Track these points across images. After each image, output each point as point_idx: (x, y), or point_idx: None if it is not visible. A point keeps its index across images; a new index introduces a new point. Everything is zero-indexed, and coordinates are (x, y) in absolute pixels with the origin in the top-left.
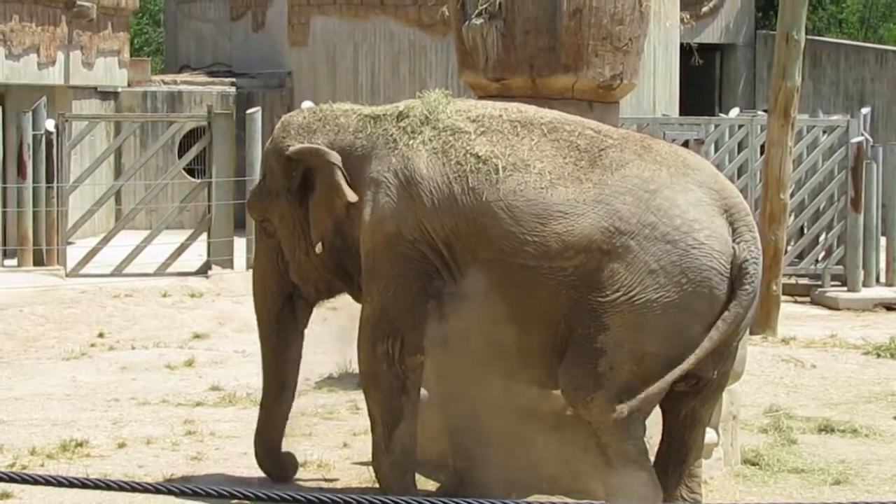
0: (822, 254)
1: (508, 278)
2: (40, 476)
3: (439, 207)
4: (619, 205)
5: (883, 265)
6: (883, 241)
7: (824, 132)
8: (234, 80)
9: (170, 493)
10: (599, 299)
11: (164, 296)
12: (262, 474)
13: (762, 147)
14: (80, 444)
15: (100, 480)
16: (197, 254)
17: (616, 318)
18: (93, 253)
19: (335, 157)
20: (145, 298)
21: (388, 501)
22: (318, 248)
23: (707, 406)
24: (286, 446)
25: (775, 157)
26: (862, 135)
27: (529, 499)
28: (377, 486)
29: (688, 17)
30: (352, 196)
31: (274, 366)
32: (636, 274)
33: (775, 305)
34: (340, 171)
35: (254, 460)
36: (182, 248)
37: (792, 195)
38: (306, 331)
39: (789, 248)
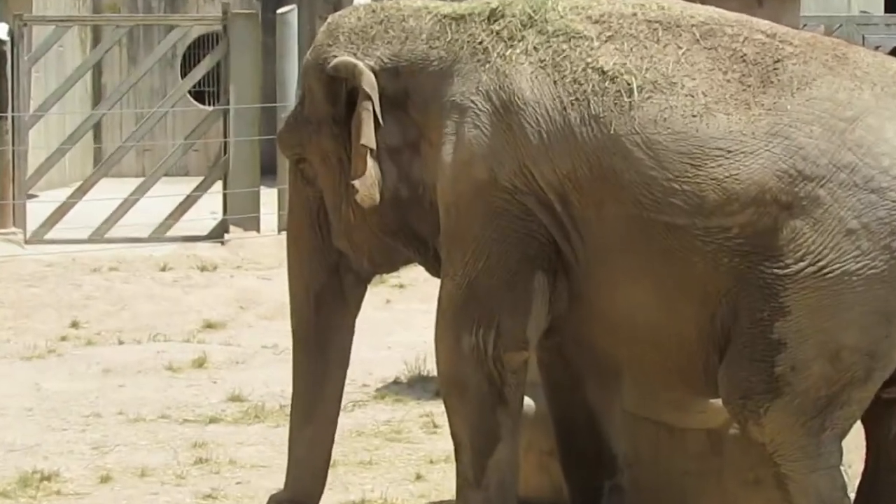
0: None
1: (648, 242)
2: None
3: (550, 144)
4: (804, 139)
5: None
6: None
7: None
8: None
9: None
10: (776, 271)
11: (164, 269)
12: None
13: None
14: (48, 478)
15: None
16: (209, 211)
17: (800, 297)
18: (63, 210)
19: (369, 81)
20: (137, 273)
21: None
22: (365, 199)
23: None
24: (335, 480)
25: None
26: None
27: None
28: None
29: None
30: (370, 141)
31: (308, 370)
32: (828, 235)
33: None
34: (371, 102)
35: None
36: (188, 203)
37: None
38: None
39: None
